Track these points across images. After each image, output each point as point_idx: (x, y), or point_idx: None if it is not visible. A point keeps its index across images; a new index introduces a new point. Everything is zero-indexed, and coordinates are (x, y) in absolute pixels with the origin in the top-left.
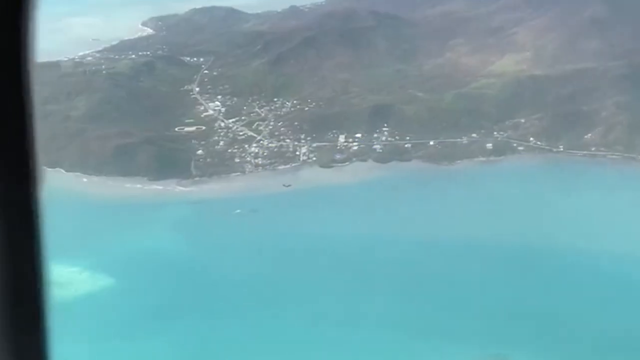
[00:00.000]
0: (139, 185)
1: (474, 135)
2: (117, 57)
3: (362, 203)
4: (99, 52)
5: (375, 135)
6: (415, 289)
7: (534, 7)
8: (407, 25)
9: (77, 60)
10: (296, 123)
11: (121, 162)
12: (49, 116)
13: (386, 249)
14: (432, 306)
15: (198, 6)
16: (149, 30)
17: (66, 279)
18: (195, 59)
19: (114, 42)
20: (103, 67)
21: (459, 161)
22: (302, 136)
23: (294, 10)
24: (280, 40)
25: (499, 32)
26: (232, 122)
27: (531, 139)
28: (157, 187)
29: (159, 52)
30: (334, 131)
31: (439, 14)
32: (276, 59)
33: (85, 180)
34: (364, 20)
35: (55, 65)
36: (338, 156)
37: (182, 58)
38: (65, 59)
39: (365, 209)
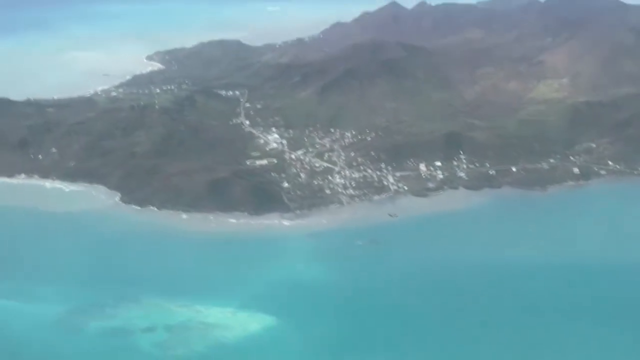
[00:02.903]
0: (243, 220)
1: (551, 160)
2: (140, 91)
3: (481, 230)
4: (118, 86)
5: (455, 162)
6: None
7: (552, 35)
8: (433, 55)
9: (101, 94)
10: (372, 153)
11: (215, 197)
12: (111, 153)
13: (536, 275)
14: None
15: (205, 40)
16: (157, 64)
17: (225, 320)
18: (230, 92)
19: (128, 77)
20: (142, 102)
21: (549, 186)
22: (382, 165)
23: (301, 43)
24: (320, 71)
25: (526, 59)
26: (301, 154)
27: (609, 162)
28: (263, 221)
29: (184, 85)
30: (412, 160)
31: (459, 43)
32: (322, 90)
33: (185, 217)
34: (394, 51)
35: (89, 101)
36: (430, 185)
37: (218, 91)
38: (89, 94)
39: (488, 237)
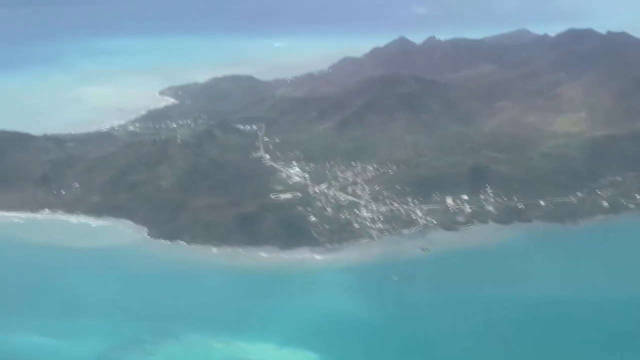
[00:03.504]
0: (274, 254)
1: (578, 194)
2: (156, 126)
3: (518, 265)
4: (134, 121)
5: (482, 196)
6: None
7: (564, 69)
8: (448, 89)
9: (118, 129)
10: (398, 186)
11: (244, 231)
12: (136, 187)
13: (578, 310)
14: None
15: (216, 75)
16: (170, 99)
17: (268, 357)
18: (247, 126)
19: (142, 112)
20: (163, 136)
21: (580, 220)
22: (409, 199)
23: (311, 78)
24: (336, 105)
25: (541, 93)
26: (325, 187)
27: (637, 196)
28: (295, 255)
29: (200, 120)
30: (438, 193)
31: (472, 77)
32: (340, 123)
33: (215, 251)
34: (409, 85)
35: (108, 135)
36: (459, 218)
37: (236, 126)
38: (105, 129)
39: (525, 272)
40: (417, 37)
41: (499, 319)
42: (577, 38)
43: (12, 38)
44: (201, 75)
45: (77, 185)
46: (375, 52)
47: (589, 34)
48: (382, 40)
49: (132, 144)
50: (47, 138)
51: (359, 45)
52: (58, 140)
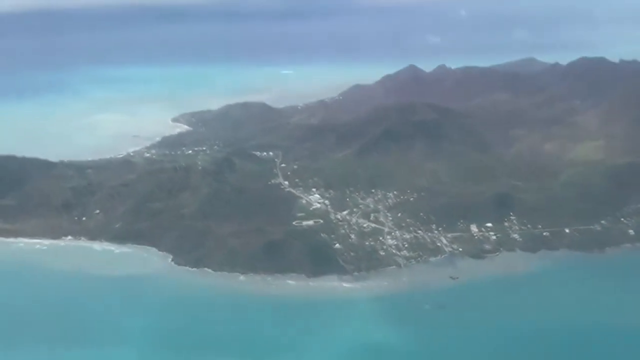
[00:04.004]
0: (301, 282)
1: (602, 222)
2: (172, 152)
3: (549, 295)
4: (149, 148)
5: (506, 224)
6: None
7: (579, 98)
8: (463, 117)
9: (134, 155)
10: (422, 214)
11: (270, 258)
12: (158, 214)
13: (615, 341)
14: None
15: (229, 102)
16: (183, 126)
17: None
18: (264, 153)
19: (157, 139)
20: (183, 163)
21: (607, 248)
22: (433, 227)
23: (323, 105)
24: (354, 133)
25: (558, 122)
26: (346, 214)
27: None
28: (323, 283)
29: (216, 147)
30: (462, 221)
31: (487, 105)
32: (359, 151)
33: (242, 278)
34: (425, 113)
35: (126, 162)
36: (486, 246)
37: (252, 152)
38: (121, 155)
39: (557, 301)
40: (423, 65)
41: (534, 348)
42: (589, 66)
43: (24, 66)
44: (212, 103)
45: (99, 212)
46: (386, 80)
47: (601, 62)
48: (389, 68)
49: (152, 171)
50: (66, 165)
51: (367, 73)
52: (77, 167)
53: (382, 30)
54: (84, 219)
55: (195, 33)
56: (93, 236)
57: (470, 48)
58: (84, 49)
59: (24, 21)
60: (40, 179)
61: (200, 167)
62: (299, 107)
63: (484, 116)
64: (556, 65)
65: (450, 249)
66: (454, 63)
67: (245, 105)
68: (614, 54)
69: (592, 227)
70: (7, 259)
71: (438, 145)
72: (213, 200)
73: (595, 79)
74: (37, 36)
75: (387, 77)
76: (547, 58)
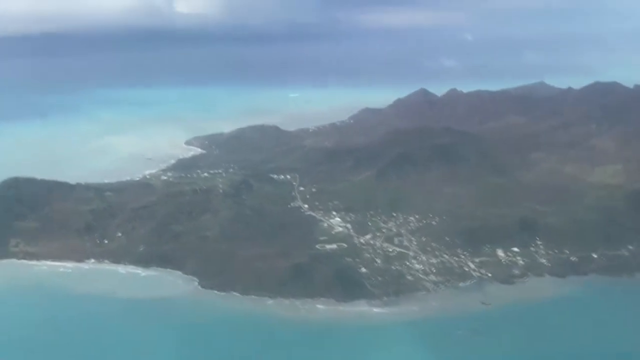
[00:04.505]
0: (331, 307)
1: (630, 246)
2: (188, 175)
3: (583, 321)
4: (165, 170)
5: (532, 248)
6: None
7: (595, 122)
8: (479, 140)
9: (151, 178)
10: (446, 238)
11: (297, 282)
12: (181, 237)
13: None
14: None
15: (241, 125)
16: (197, 149)
17: None
18: (281, 176)
19: (172, 161)
20: (203, 186)
21: (637, 273)
22: (459, 251)
23: (335, 128)
24: (371, 156)
25: (575, 145)
26: (369, 238)
27: None
28: (352, 308)
29: (231, 169)
30: (487, 245)
31: (502, 129)
32: (378, 174)
33: (271, 302)
34: (442, 136)
35: (145, 185)
36: (515, 271)
37: (270, 175)
38: (138, 178)
39: (593, 328)
40: (430, 89)
41: None
42: (603, 91)
43: (35, 87)
44: (222, 125)
45: (120, 235)
46: (398, 104)
47: (615, 87)
48: (396, 91)
49: (172, 194)
50: (85, 187)
51: (374, 96)
52: (96, 190)
53: (389, 54)
54: (105, 241)
55: (200, 55)
56: (116, 259)
57: (477, 71)
58: (94, 71)
59: (34, 43)
60: (60, 201)
61: (221, 190)
62: (310, 130)
63: (500, 139)
64: (569, 89)
65: (478, 274)
66: (462, 86)
67: (258, 128)
68: (619, 78)
69: (619, 252)
70: (32, 282)
71: (456, 168)
72: (235, 223)
73: (609, 103)
74: (47, 58)
75: (399, 101)
76: (555, 82)
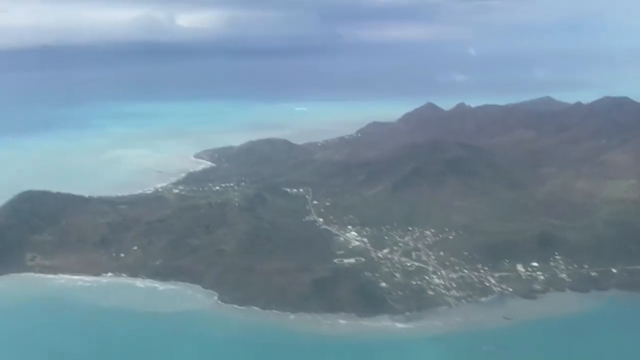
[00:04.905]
0: (353, 322)
1: None
2: (200, 188)
3: (607, 337)
4: (176, 183)
5: (552, 263)
6: None
7: (605, 137)
8: (490, 154)
9: (162, 191)
10: (465, 253)
11: (318, 296)
12: (198, 250)
13: None
14: None
15: (250, 138)
16: (206, 162)
17: None
18: (294, 189)
19: (182, 174)
20: (219, 199)
21: None
22: (478, 266)
23: (343, 141)
24: (384, 170)
25: (587, 160)
26: (387, 252)
27: None
28: (375, 323)
29: (243, 183)
30: (507, 260)
31: (512, 143)
32: (392, 188)
33: (292, 317)
34: (454, 150)
35: (158, 198)
36: (536, 286)
37: (283, 189)
38: (150, 191)
39: (618, 345)
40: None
41: None
42: (613, 106)
43: (45, 101)
44: (230, 139)
45: (137, 249)
46: (406, 118)
47: (625, 102)
48: (403, 105)
49: (187, 207)
50: (99, 200)
51: (380, 110)
52: (111, 203)
53: (391, 68)
54: (122, 255)
55: (202, 69)
56: (134, 273)
57: (484, 86)
58: (101, 84)
59: (43, 56)
60: (75, 214)
61: (236, 204)
62: (319, 144)
63: (511, 154)
64: (578, 104)
65: (499, 289)
66: (468, 101)
67: (267, 142)
68: (627, 93)
69: (639, 267)
70: (51, 296)
71: (469, 182)
72: (252, 237)
73: (619, 118)
74: (57, 71)
75: (408, 115)
76: (561, 97)
